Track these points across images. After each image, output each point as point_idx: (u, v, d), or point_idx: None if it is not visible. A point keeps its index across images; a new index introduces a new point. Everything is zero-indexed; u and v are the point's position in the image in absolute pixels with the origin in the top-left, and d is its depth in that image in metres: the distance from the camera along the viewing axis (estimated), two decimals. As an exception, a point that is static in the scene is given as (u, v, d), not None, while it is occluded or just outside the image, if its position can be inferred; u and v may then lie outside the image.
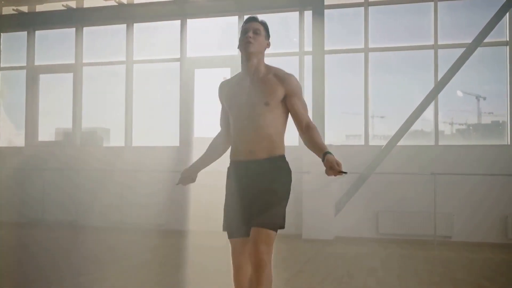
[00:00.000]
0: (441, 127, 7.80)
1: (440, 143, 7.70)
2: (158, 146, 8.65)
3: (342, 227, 7.65)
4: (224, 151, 3.07)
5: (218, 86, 3.02)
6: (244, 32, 2.82)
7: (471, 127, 8.00)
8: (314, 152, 2.74)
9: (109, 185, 8.48)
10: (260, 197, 2.72)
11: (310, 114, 8.21)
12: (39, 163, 8.92)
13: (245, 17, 8.47)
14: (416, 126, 7.73)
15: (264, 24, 2.88)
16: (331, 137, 8.10)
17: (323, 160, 2.61)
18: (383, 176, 7.44)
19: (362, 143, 8.00)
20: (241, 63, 2.88)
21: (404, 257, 6.29)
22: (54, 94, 9.58)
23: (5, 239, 7.53)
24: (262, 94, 2.76)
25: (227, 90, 2.94)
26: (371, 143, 8.04)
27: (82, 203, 8.73)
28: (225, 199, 2.90)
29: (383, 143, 7.96)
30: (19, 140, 9.64)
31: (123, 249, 6.87)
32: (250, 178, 2.78)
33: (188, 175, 3.06)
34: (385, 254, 6.49)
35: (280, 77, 2.79)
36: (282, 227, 2.75)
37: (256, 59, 2.82)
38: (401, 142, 7.57)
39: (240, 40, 2.82)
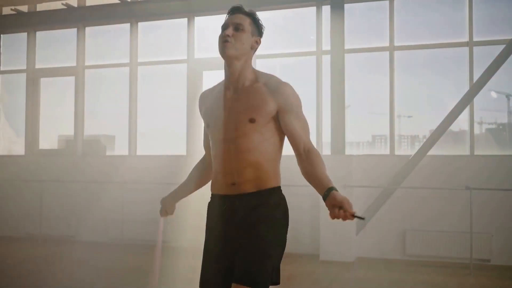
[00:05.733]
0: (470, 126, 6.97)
1: (476, 152, 6.84)
2: (164, 155, 8.01)
3: (364, 247, 6.85)
4: (209, 179, 2.41)
5: (199, 97, 2.38)
6: (223, 28, 2.17)
7: (501, 127, 7.27)
8: (313, 186, 2.05)
9: (110, 197, 7.86)
10: (244, 245, 2.06)
11: (328, 120, 7.32)
12: (38, 173, 8.37)
13: (257, 14, 7.77)
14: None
15: (251, 16, 2.21)
16: (356, 138, 7.45)
17: (324, 199, 1.94)
18: (411, 191, 6.62)
19: (388, 151, 7.20)
20: (224, 69, 2.20)
21: (436, 285, 5.51)
22: (55, 98, 9.05)
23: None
24: (247, 108, 2.09)
25: (206, 103, 2.28)
26: (399, 148, 7.24)
27: (81, 217, 8.15)
28: (204, 244, 2.25)
29: (412, 147, 7.16)
30: (19, 148, 9.13)
31: (124, 268, 6.35)
32: (233, 219, 2.12)
33: (164, 206, 2.48)
34: (413, 280, 5.72)
35: (272, 86, 2.11)
36: (276, 282, 2.07)
37: (239, 64, 2.15)
38: (431, 152, 6.74)
39: (218, 40, 2.16)
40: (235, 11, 2.22)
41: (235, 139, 2.10)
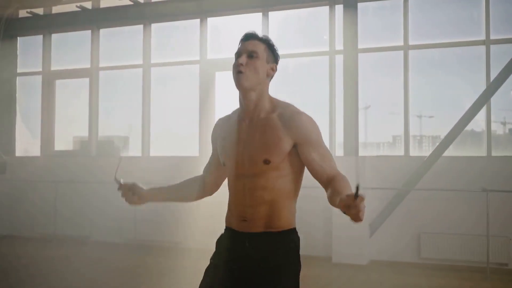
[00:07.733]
0: (492, 127, 6.78)
1: (493, 153, 6.68)
2: (176, 156, 7.99)
3: (378, 250, 6.73)
4: (194, 198, 2.35)
5: (215, 124, 2.28)
6: (237, 56, 2.04)
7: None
8: (333, 205, 1.83)
9: (122, 199, 7.88)
10: None
11: (340, 120, 7.20)
12: (53, 174, 8.43)
13: (270, 14, 7.73)
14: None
15: (266, 41, 2.07)
16: (377, 139, 7.39)
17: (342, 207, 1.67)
18: (426, 192, 6.48)
19: (402, 153, 7.07)
20: (239, 98, 2.09)
21: (451, 290, 5.41)
22: (70, 100, 9.14)
23: (13, 255, 7.11)
24: (261, 147, 1.99)
25: (221, 135, 2.17)
26: (419, 149, 7.10)
27: (95, 217, 8.17)
28: (205, 273, 2.17)
29: (433, 147, 7.01)
30: (34, 149, 9.22)
31: (137, 268, 6.35)
32: (240, 257, 2.05)
33: (139, 194, 2.32)
34: (428, 284, 5.60)
35: (286, 119, 1.99)
36: None
37: (254, 94, 2.03)
38: (446, 153, 6.60)
39: (233, 68, 2.04)
40: (248, 37, 2.06)
41: (249, 177, 2.03)
